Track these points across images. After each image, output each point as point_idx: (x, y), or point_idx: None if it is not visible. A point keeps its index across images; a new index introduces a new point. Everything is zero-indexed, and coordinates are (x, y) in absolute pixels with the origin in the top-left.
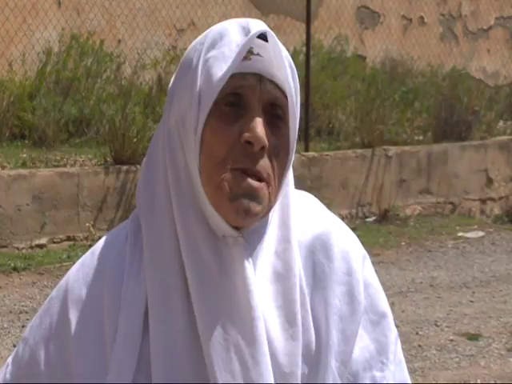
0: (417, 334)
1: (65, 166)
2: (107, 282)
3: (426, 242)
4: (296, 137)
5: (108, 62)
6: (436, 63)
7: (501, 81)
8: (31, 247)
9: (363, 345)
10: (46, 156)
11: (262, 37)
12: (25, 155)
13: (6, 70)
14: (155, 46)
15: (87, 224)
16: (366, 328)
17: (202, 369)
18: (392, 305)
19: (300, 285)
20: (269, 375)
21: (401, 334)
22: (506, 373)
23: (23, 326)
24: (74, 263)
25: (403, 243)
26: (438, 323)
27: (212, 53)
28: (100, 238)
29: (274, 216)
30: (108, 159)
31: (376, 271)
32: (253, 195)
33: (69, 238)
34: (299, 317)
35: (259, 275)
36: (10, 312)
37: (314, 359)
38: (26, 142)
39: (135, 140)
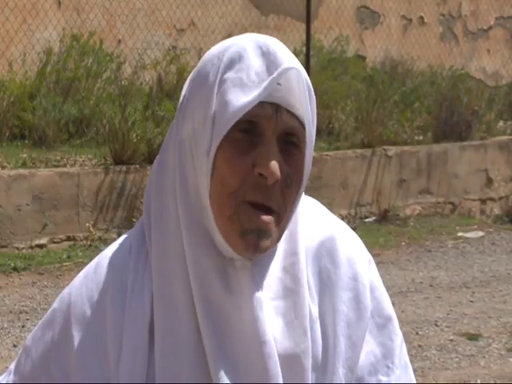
0: (417, 333)
1: (65, 166)
2: (110, 297)
3: (426, 242)
4: (310, 166)
5: (108, 62)
6: (436, 63)
7: (501, 81)
8: (31, 247)
9: (369, 349)
10: (46, 156)
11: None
12: (25, 155)
13: (6, 70)
14: (155, 46)
15: (87, 224)
16: (372, 332)
17: None
18: (392, 305)
19: (309, 294)
20: None
21: None
22: (506, 373)
23: (23, 326)
24: (74, 263)
25: (403, 243)
26: (438, 323)
27: (229, 74)
28: (100, 238)
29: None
30: (108, 159)
31: None
32: (263, 231)
33: (69, 238)
34: (309, 330)
35: (268, 292)
36: (10, 312)
37: (322, 367)
38: (26, 142)
39: (135, 140)
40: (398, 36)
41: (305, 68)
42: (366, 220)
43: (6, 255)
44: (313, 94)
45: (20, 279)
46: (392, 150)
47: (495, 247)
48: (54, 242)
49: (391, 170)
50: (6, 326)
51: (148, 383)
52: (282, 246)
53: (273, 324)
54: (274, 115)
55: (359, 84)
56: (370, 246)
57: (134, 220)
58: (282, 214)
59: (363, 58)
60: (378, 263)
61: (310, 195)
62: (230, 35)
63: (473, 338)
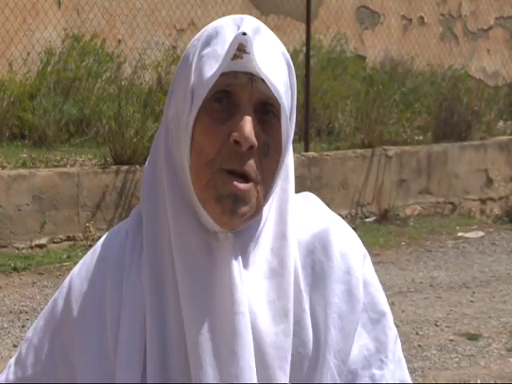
0: (417, 333)
1: (65, 166)
2: (109, 278)
3: (426, 242)
4: (291, 135)
5: (108, 62)
6: (436, 63)
7: (501, 81)
8: (31, 247)
9: (362, 343)
10: (46, 156)
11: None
12: (25, 155)
13: (6, 70)
14: (155, 46)
15: (87, 224)
16: (366, 326)
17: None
18: (392, 305)
19: (296, 282)
20: (249, 370)
21: (401, 334)
22: (506, 373)
23: (23, 326)
24: (74, 263)
25: (403, 243)
26: (438, 323)
27: (206, 50)
28: (100, 237)
29: (272, 212)
30: (108, 159)
31: (376, 271)
32: (239, 196)
33: (69, 238)
34: (291, 313)
35: (254, 271)
36: (10, 312)
37: (313, 358)
38: (26, 142)
39: (135, 140)
40: (398, 36)
41: (305, 68)
42: (366, 220)
43: (6, 255)
44: (291, 63)
45: (20, 279)
46: (392, 150)
47: (495, 247)
48: (54, 242)
49: (391, 169)
50: (6, 325)
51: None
52: (271, 228)
53: (254, 300)
54: (249, 84)
55: (359, 84)
56: (369, 246)
57: None
58: (261, 182)
59: (363, 58)
60: (378, 263)
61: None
62: None
63: (473, 337)
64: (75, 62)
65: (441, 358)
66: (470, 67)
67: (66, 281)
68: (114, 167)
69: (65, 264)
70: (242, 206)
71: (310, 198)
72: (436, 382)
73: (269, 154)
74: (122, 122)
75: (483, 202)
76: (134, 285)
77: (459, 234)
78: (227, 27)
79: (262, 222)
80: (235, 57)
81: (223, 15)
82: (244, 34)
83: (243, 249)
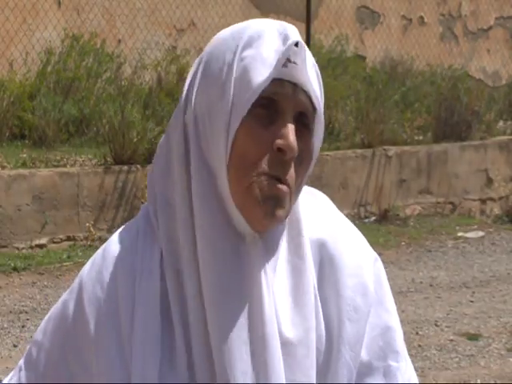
0: (417, 334)
1: (65, 166)
2: (120, 279)
3: (426, 242)
4: (319, 147)
5: (108, 62)
6: (436, 63)
7: (501, 81)
8: (31, 247)
9: (376, 333)
10: (46, 156)
11: (295, 44)
12: (25, 155)
13: (6, 69)
14: (155, 46)
15: (87, 224)
16: (380, 318)
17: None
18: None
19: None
20: (280, 380)
21: None
22: (506, 373)
23: (23, 326)
24: (74, 263)
25: (403, 243)
26: (438, 323)
27: (248, 52)
28: (100, 238)
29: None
30: (108, 159)
31: None
32: (280, 199)
33: (69, 238)
34: (313, 309)
35: (279, 272)
36: (10, 312)
37: (326, 352)
38: (26, 142)
39: (135, 140)
40: (398, 36)
41: None
42: (366, 220)
43: (6, 255)
44: (320, 76)
45: (20, 279)
46: (392, 150)
47: (495, 247)
48: (54, 242)
49: (391, 169)
50: (6, 326)
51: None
52: (286, 230)
53: (281, 300)
54: (293, 94)
55: (359, 84)
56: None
57: None
58: (293, 190)
59: (363, 58)
60: None
61: None
62: None
63: (473, 337)
64: (75, 62)
65: (441, 357)
66: (470, 67)
67: (76, 282)
68: (114, 167)
69: (65, 264)
70: (281, 208)
71: (320, 197)
72: (436, 382)
73: (302, 164)
74: (123, 122)
75: (483, 202)
76: (147, 286)
77: (459, 234)
78: (269, 32)
79: (283, 226)
80: (282, 65)
81: (223, 15)
82: (296, 44)
83: (269, 252)
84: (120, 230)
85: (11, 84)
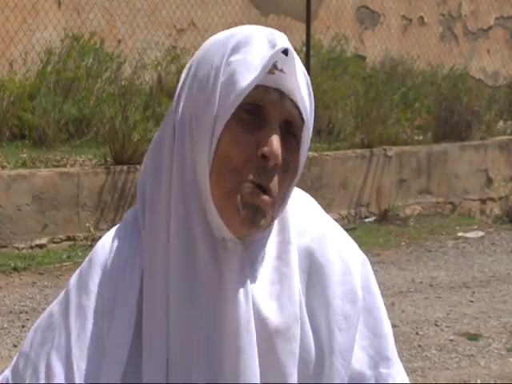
0: (417, 334)
1: (65, 166)
2: (105, 286)
3: (426, 242)
4: (306, 156)
5: (108, 62)
6: (436, 63)
7: (501, 81)
8: (31, 247)
9: (365, 343)
10: (46, 156)
11: (284, 52)
12: (25, 155)
13: (6, 69)
14: (155, 46)
15: (87, 224)
16: (368, 326)
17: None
18: (392, 305)
19: (298, 287)
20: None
21: (401, 334)
22: (506, 373)
23: (23, 326)
24: (74, 263)
25: (403, 243)
26: (438, 323)
27: (236, 57)
28: (100, 238)
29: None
30: (108, 159)
31: (376, 271)
32: (261, 209)
33: (69, 238)
34: (299, 317)
35: (262, 279)
36: (10, 312)
37: (317, 362)
38: (26, 142)
39: (135, 140)
40: (398, 36)
41: (305, 68)
42: (366, 220)
43: (6, 255)
44: (310, 85)
45: (20, 279)
46: (392, 150)
47: (495, 247)
48: (54, 242)
49: (391, 170)
50: (6, 325)
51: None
52: (274, 237)
53: (265, 308)
54: (279, 101)
55: (359, 84)
56: (370, 246)
57: None
58: (277, 198)
59: (363, 58)
60: (378, 263)
61: (310, 195)
62: None
63: (473, 337)
64: (75, 62)
65: (441, 357)
66: (470, 67)
67: (63, 291)
68: (114, 167)
69: (65, 264)
70: (262, 218)
71: (306, 199)
72: (436, 382)
73: (287, 173)
74: (123, 122)
75: (483, 202)
76: (128, 283)
77: (459, 234)
78: (258, 38)
79: (269, 235)
80: (268, 71)
81: (223, 15)
82: (282, 52)
83: (251, 259)
84: (107, 234)
85: (11, 84)
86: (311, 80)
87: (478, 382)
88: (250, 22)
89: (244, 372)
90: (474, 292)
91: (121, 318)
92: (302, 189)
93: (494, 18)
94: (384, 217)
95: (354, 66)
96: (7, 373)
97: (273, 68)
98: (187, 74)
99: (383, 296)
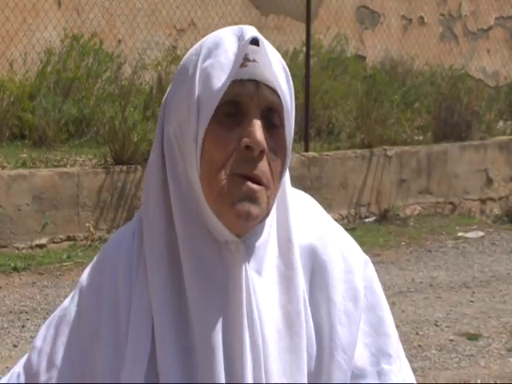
0: (417, 334)
1: (65, 166)
2: (120, 285)
3: (426, 242)
4: (292, 139)
5: (108, 62)
6: (436, 63)
7: (501, 81)
8: (31, 247)
9: (368, 341)
10: (46, 156)
11: (256, 43)
12: (25, 155)
13: (6, 69)
14: (155, 46)
15: (87, 224)
16: (372, 325)
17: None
18: (392, 305)
19: (302, 284)
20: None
21: (401, 334)
22: (506, 373)
23: (23, 326)
24: (74, 263)
25: (403, 243)
26: (438, 323)
27: (208, 62)
28: (100, 238)
29: (273, 217)
30: (108, 159)
31: (376, 271)
32: (252, 198)
33: (69, 238)
34: (302, 314)
35: (265, 278)
36: (10, 312)
37: (318, 357)
38: (26, 142)
39: (135, 140)
40: (398, 36)
41: (305, 68)
42: (366, 220)
43: (6, 255)
44: (287, 70)
45: (20, 279)
46: (392, 150)
47: (495, 247)
48: (54, 242)
49: (391, 170)
50: (6, 325)
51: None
52: (274, 234)
53: (268, 307)
54: (256, 91)
55: (359, 84)
56: (370, 246)
57: None
58: (270, 186)
59: (363, 58)
60: (378, 263)
61: (310, 195)
62: None
63: (473, 337)
64: (75, 62)
65: (441, 358)
66: (470, 67)
67: (76, 288)
68: (114, 167)
69: (65, 264)
70: (256, 207)
71: (308, 200)
72: (436, 382)
73: (276, 159)
74: (123, 122)
75: (483, 202)
76: (141, 288)
77: (459, 234)
78: (227, 38)
79: (268, 226)
80: (241, 65)
81: (223, 15)
82: (251, 42)
83: (254, 259)
84: (117, 232)
85: (11, 84)
86: (311, 80)
87: (478, 382)
88: (250, 22)
89: (248, 371)
90: (474, 292)
91: (137, 323)
92: (302, 189)
93: (493, 18)
94: (384, 217)
95: (354, 66)
96: (18, 369)
97: (245, 61)
98: (169, 90)
99: None
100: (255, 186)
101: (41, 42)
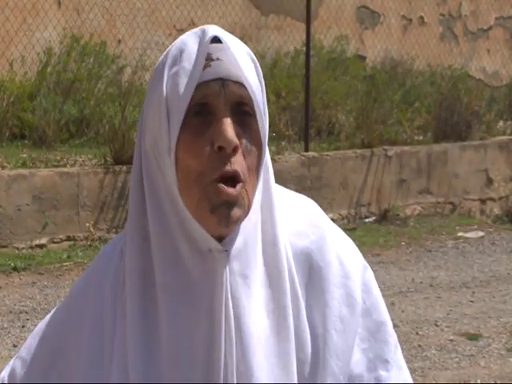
0: (417, 334)
1: (65, 166)
2: (106, 301)
3: (426, 242)
4: (267, 131)
5: (108, 63)
6: (436, 63)
7: (501, 81)
8: (31, 247)
9: (366, 346)
10: (46, 156)
11: (218, 41)
12: (25, 155)
13: (6, 69)
14: (155, 46)
15: (87, 224)
16: (369, 330)
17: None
18: (392, 305)
19: (292, 287)
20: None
21: (401, 334)
22: (506, 373)
23: (23, 326)
24: (74, 263)
25: (403, 243)
26: (438, 323)
27: (174, 69)
28: (100, 238)
29: (258, 218)
30: (108, 159)
31: (376, 271)
32: (232, 202)
33: (69, 238)
34: (291, 318)
35: (251, 283)
36: (10, 312)
37: (312, 362)
38: (26, 142)
39: (135, 140)
40: (398, 36)
41: (305, 68)
42: (366, 220)
43: (6, 255)
44: (256, 61)
45: (20, 279)
46: (392, 150)
47: (495, 247)
48: (54, 242)
49: (391, 170)
50: (6, 325)
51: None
52: (259, 235)
53: (254, 313)
54: (222, 90)
55: (359, 84)
56: (369, 246)
57: None
58: (248, 180)
59: (363, 58)
60: (378, 263)
61: (310, 195)
62: None
63: (473, 337)
64: (75, 62)
65: (441, 358)
66: (470, 67)
67: (66, 298)
68: (114, 167)
69: (65, 264)
70: (236, 208)
71: (307, 203)
72: (436, 382)
73: (251, 153)
74: (123, 122)
75: (483, 202)
76: (125, 307)
77: (459, 234)
78: (190, 41)
79: (252, 230)
80: (204, 67)
81: (223, 15)
82: (214, 40)
83: (239, 264)
84: (111, 242)
85: (11, 84)
86: (311, 80)
87: (478, 381)
88: (250, 22)
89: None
90: (474, 292)
91: (122, 346)
92: (302, 189)
93: (494, 18)
94: (384, 217)
95: (354, 66)
96: (4, 374)
97: (208, 61)
98: (143, 105)
99: (383, 296)
100: (232, 190)
101: (41, 42)
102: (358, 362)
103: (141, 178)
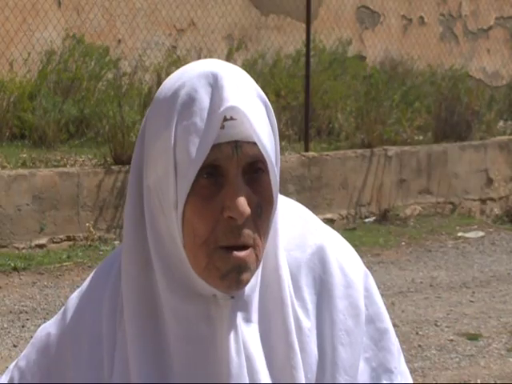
0: (417, 333)
1: (65, 166)
2: (106, 314)
3: (426, 242)
4: (278, 187)
5: (108, 63)
6: (436, 63)
7: (501, 81)
8: (31, 247)
9: (369, 355)
10: (46, 156)
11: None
12: (25, 155)
13: (6, 70)
14: (155, 46)
15: (87, 224)
16: (372, 338)
17: None
18: (392, 305)
19: (302, 306)
20: None
21: (401, 334)
22: (506, 373)
23: (23, 326)
24: (74, 263)
25: (403, 243)
26: (438, 323)
27: (184, 122)
28: (100, 237)
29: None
30: (108, 159)
31: (376, 271)
32: (241, 266)
33: (69, 238)
34: (296, 345)
35: (253, 323)
36: (10, 312)
37: (319, 378)
38: (26, 142)
39: (135, 140)
40: (398, 36)
41: (305, 68)
42: (366, 220)
43: (6, 255)
44: (268, 104)
45: (20, 279)
46: (392, 150)
47: (495, 247)
48: (54, 242)
49: (391, 169)
50: (6, 326)
51: None
52: (260, 264)
53: (259, 354)
54: (234, 152)
55: (359, 84)
56: (370, 246)
57: None
58: (258, 243)
59: (363, 58)
60: (378, 263)
61: (310, 195)
62: (229, 35)
63: (473, 338)
64: (75, 62)
65: (441, 358)
66: (470, 67)
67: (62, 309)
68: (113, 167)
69: (65, 264)
70: (245, 273)
71: (304, 214)
72: (436, 382)
73: (262, 214)
74: (122, 122)
75: (483, 202)
76: (124, 341)
77: (459, 234)
78: (200, 90)
79: (258, 272)
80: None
81: (223, 15)
82: (231, 107)
83: (243, 307)
84: (110, 256)
85: (11, 84)
86: (311, 80)
87: (478, 381)
88: (250, 22)
89: None
90: (474, 292)
91: (122, 363)
92: (302, 189)
93: (494, 18)
94: (384, 217)
95: (354, 66)
96: (4, 378)
97: (223, 122)
98: (146, 130)
99: (383, 296)
100: (242, 254)
101: (41, 42)
102: (361, 371)
103: (141, 211)
